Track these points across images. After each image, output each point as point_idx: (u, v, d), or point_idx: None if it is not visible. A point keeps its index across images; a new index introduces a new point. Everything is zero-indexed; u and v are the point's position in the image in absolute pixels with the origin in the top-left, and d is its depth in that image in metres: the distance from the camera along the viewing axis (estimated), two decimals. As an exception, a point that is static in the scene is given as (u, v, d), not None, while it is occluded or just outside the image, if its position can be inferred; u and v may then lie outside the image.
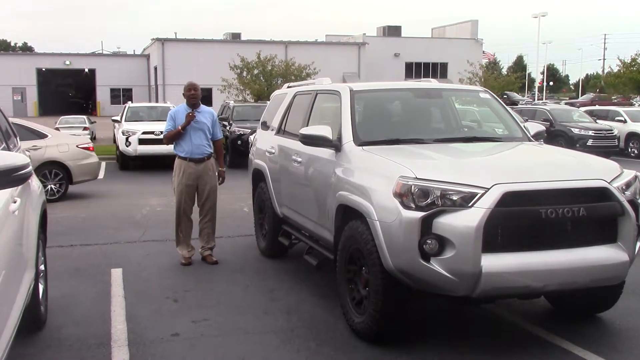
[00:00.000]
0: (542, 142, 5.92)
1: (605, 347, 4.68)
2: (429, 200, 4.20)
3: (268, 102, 8.47)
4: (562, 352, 4.62)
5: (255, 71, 27.68)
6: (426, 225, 4.17)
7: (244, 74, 27.93)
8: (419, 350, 4.63)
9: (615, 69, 37.45)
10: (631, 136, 21.00)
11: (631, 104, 37.54)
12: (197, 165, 7.05)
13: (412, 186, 4.25)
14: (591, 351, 4.59)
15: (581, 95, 65.19)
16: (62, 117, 28.06)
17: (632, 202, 4.55)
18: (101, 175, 16.29)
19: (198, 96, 7.08)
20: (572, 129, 20.13)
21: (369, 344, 4.71)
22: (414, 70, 57.28)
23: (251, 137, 9.09)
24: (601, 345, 4.71)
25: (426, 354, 4.58)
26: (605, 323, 5.21)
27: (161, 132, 15.54)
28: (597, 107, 27.73)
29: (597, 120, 21.51)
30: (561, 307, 5.44)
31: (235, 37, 55.66)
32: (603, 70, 57.96)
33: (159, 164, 16.10)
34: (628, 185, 4.61)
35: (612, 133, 20.19)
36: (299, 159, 6.14)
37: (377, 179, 4.61)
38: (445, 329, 5.16)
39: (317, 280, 6.33)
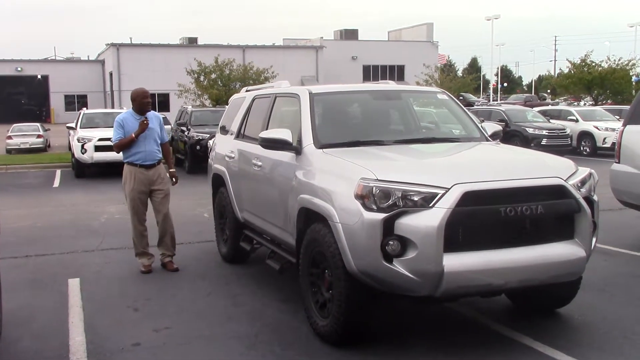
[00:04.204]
0: (499, 142, 6.01)
1: (565, 341, 4.76)
2: (390, 202, 4.21)
3: (227, 106, 8.39)
4: (523, 348, 4.69)
5: (213, 75, 27.45)
6: (388, 226, 4.18)
7: (202, 78, 27.67)
8: (383, 352, 4.64)
9: (566, 70, 38.39)
10: (583, 135, 21.52)
11: (557, 103, 38.82)
12: (148, 171, 6.95)
13: (373, 188, 4.25)
14: (551, 346, 4.66)
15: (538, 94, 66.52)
16: (15, 125, 27.37)
17: (587, 199, 4.65)
18: (56, 183, 15.99)
19: (150, 103, 7.05)
20: (527, 129, 20.54)
21: (334, 347, 4.69)
22: (372, 72, 57.77)
23: (210, 142, 9.00)
24: (561, 340, 4.79)
25: (390, 355, 4.59)
26: (565, 318, 5.30)
27: (119, 139, 15.45)
28: (550, 107, 28.38)
29: (551, 120, 21.99)
30: (521, 303, 5.52)
31: (192, 42, 55.18)
32: (554, 71, 59.32)
33: (116, 171, 15.76)
34: (583, 182, 4.71)
35: (565, 132, 20.68)
36: (259, 163, 6.10)
37: (338, 182, 4.61)
38: (409, 329, 5.18)
39: (280, 285, 6.30)
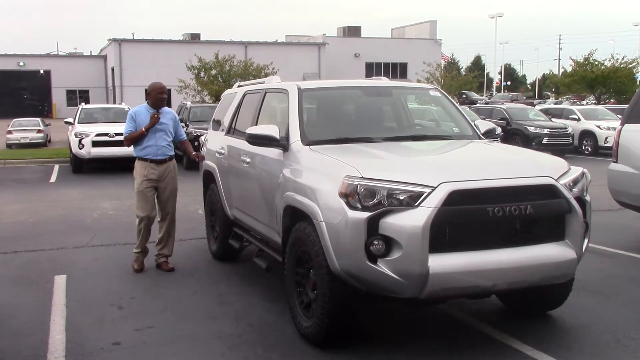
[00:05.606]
0: (499, 140, 5.88)
1: (556, 345, 4.65)
2: (375, 200, 4.10)
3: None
4: (512, 352, 4.57)
5: (213, 71, 27.34)
6: (372, 225, 4.07)
7: (202, 74, 27.56)
8: (369, 353, 4.53)
9: (569, 69, 38.21)
10: (585, 134, 21.37)
11: (561, 102, 38.82)
12: (158, 167, 6.82)
13: (358, 186, 4.14)
14: (541, 350, 4.55)
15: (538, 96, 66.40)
16: (15, 119, 27.33)
17: (579, 199, 4.53)
18: (53, 178, 15.92)
19: (166, 99, 6.91)
20: (528, 128, 20.37)
21: (318, 349, 4.58)
22: (374, 70, 57.47)
23: (201, 138, 8.91)
24: (552, 344, 4.67)
25: (376, 357, 4.48)
26: (556, 321, 5.19)
27: (115, 134, 15.36)
28: (552, 106, 28.21)
29: (552, 119, 21.84)
30: (513, 305, 5.40)
31: (195, 38, 55.02)
32: (558, 70, 59.15)
33: (113, 167, 15.73)
34: (575, 182, 4.59)
35: (567, 131, 20.51)
36: (248, 160, 5.99)
37: (323, 179, 4.49)
38: (396, 331, 5.07)
39: (268, 284, 6.19)
